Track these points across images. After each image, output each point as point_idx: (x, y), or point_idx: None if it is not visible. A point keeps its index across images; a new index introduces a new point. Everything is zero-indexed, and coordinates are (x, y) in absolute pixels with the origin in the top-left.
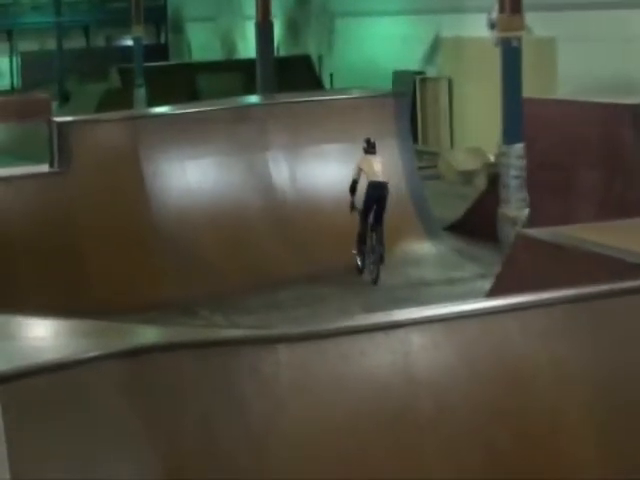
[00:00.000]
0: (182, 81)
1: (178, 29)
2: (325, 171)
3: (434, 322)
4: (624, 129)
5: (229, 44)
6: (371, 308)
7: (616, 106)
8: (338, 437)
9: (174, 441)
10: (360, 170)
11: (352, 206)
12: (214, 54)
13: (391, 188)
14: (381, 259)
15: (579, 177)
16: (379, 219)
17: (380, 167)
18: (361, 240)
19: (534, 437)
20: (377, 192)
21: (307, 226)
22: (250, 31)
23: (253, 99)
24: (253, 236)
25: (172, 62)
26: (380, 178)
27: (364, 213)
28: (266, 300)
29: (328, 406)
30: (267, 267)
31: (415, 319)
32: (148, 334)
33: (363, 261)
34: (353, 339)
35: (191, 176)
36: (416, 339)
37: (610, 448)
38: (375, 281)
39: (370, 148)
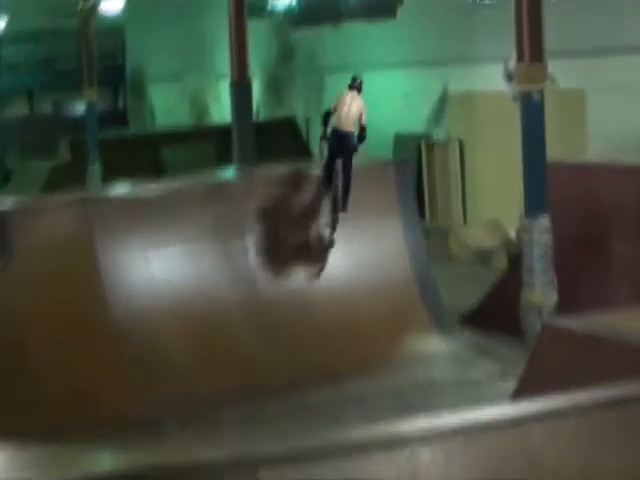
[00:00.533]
0: (144, 154)
1: (139, 91)
2: (317, 258)
3: (446, 434)
4: None
5: (199, 108)
6: (371, 417)
7: None
8: None
9: None
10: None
11: (322, 136)
12: (182, 120)
13: (393, 265)
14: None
15: (615, 254)
16: (346, 172)
17: (355, 111)
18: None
19: None
20: (338, 142)
21: (293, 323)
22: (224, 92)
23: (229, 173)
24: (229, 336)
25: (132, 132)
26: (345, 127)
27: (328, 161)
28: (246, 412)
29: None
30: (246, 372)
31: (423, 430)
32: (102, 461)
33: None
34: (350, 458)
35: (156, 268)
36: (425, 455)
37: None
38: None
39: (353, 83)
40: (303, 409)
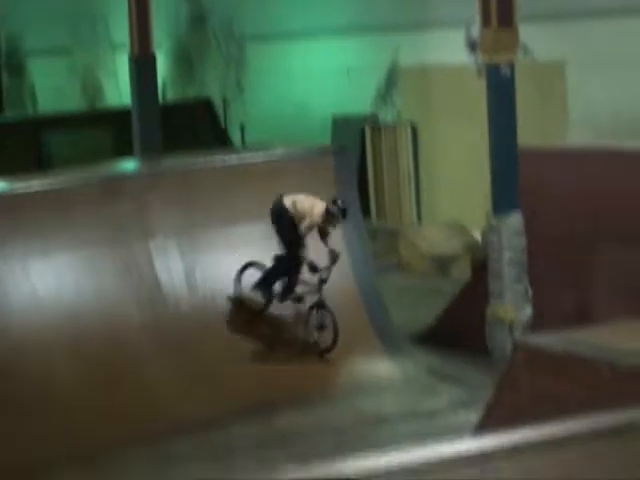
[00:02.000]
0: (23, 143)
1: (16, 68)
2: (237, 266)
3: (395, 474)
4: None
5: (92, 87)
6: (305, 456)
7: None
8: None
9: None
10: None
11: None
12: (70, 102)
13: (333, 285)
14: None
15: (602, 257)
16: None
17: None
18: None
19: None
20: None
21: (210, 346)
22: (123, 68)
23: (129, 166)
24: (133, 367)
25: (7, 116)
26: None
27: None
28: (153, 454)
29: None
30: (153, 407)
31: (368, 471)
32: None
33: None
34: None
35: (38, 280)
36: None
37: None
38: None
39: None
40: (225, 448)
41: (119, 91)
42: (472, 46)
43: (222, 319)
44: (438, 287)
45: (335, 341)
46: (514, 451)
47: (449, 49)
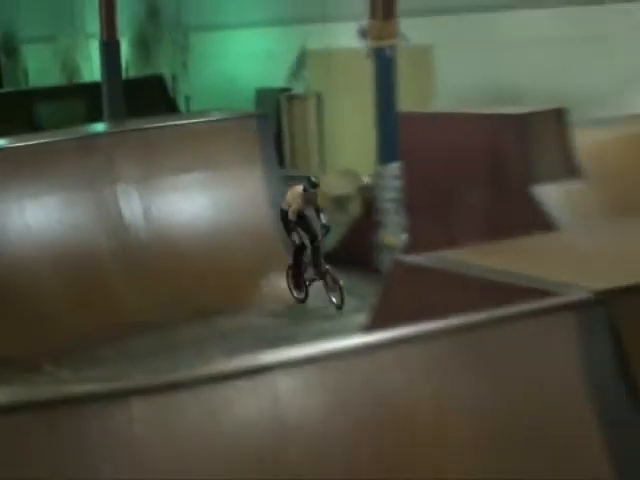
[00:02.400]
0: (18, 111)
1: (12, 53)
2: (183, 205)
3: (304, 363)
4: (506, 140)
5: (71, 67)
6: (235, 352)
7: (500, 117)
8: None
9: None
10: None
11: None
12: (54, 79)
13: (255, 219)
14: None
15: (462, 196)
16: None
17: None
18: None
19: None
20: None
21: (163, 267)
22: (94, 51)
23: (99, 127)
24: (103, 281)
25: (4, 90)
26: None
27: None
28: (119, 350)
29: (188, 462)
30: (119, 314)
31: (283, 361)
32: None
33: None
34: (214, 388)
35: (31, 216)
36: (285, 383)
37: None
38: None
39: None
40: (173, 345)
41: (92, 70)
42: (363, 34)
43: (172, 243)
44: (338, 220)
45: (343, 300)
46: (393, 344)
47: (345, 36)
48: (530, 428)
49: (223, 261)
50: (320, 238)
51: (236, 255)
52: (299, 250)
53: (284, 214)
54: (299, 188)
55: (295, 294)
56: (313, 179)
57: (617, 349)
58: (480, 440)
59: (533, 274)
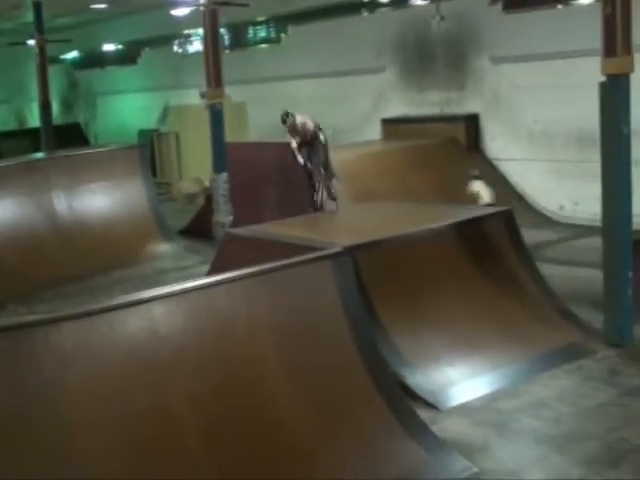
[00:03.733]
0: None
1: None
2: (93, 201)
3: (169, 296)
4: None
5: (21, 118)
6: (127, 291)
7: (287, 143)
8: (107, 383)
9: None
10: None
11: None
12: (11, 126)
13: (137, 209)
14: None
15: (264, 191)
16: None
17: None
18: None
19: (244, 379)
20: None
21: (81, 240)
22: (36, 108)
23: (39, 156)
24: (44, 249)
25: None
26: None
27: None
28: (57, 293)
29: (102, 362)
30: (55, 270)
31: (155, 296)
32: None
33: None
34: (114, 314)
35: None
36: (158, 309)
37: (301, 381)
38: None
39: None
40: (89, 288)
41: (34, 120)
42: (202, 95)
43: (86, 225)
44: (190, 209)
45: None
46: (224, 282)
47: (193, 97)
48: (306, 335)
49: (117, 235)
50: (319, 136)
51: (126, 231)
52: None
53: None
54: (311, 123)
55: (328, 207)
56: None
57: (359, 282)
58: (280, 346)
59: (309, 237)
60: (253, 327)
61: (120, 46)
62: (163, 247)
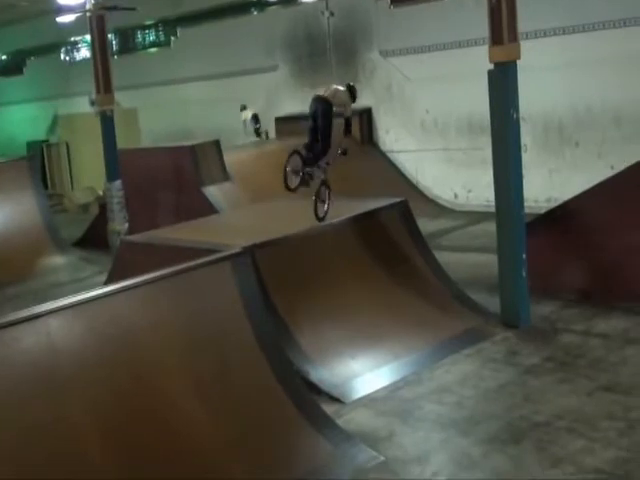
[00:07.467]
0: None
1: None
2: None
3: (65, 309)
4: (185, 161)
5: None
6: (23, 306)
7: (180, 147)
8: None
9: None
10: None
11: None
12: None
13: (29, 222)
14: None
15: (160, 197)
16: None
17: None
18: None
19: (148, 387)
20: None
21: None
22: None
23: None
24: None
25: None
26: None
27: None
28: None
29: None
30: None
31: (52, 309)
32: None
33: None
34: (9, 330)
35: None
36: (54, 322)
37: (205, 385)
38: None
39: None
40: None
41: None
42: (92, 103)
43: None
44: (83, 218)
45: (327, 213)
46: (122, 290)
47: (82, 105)
48: (209, 338)
49: (8, 250)
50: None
51: (17, 246)
52: (326, 146)
53: (329, 107)
54: (342, 87)
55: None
56: (351, 84)
57: (259, 280)
58: (183, 352)
59: (205, 240)
60: (155, 334)
61: (4, 56)
62: (58, 260)
